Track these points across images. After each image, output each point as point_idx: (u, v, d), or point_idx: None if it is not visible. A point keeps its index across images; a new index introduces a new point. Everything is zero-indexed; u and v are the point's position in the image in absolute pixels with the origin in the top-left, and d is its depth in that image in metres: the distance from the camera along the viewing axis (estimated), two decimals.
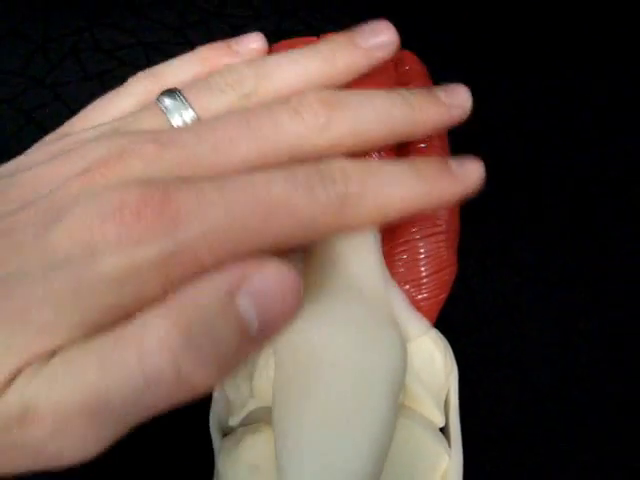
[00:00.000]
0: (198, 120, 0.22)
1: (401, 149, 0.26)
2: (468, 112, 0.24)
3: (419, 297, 0.24)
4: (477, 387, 0.28)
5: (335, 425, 0.21)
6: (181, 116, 0.22)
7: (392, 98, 0.22)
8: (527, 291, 0.29)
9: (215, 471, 0.25)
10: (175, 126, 0.22)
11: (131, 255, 0.17)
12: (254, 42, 0.25)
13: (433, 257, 0.24)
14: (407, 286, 0.24)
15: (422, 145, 0.26)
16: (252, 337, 0.16)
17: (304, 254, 0.24)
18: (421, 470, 0.23)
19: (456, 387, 0.25)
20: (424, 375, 0.24)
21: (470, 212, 0.27)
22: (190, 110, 0.22)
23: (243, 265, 0.16)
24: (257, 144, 0.20)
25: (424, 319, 0.24)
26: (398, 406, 0.23)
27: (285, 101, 0.21)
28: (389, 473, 0.23)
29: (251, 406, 0.24)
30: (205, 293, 0.16)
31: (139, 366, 0.16)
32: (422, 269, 0.24)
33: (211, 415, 0.25)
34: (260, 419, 0.24)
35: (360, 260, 0.24)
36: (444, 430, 0.25)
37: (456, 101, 0.23)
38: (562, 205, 0.31)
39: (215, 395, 0.26)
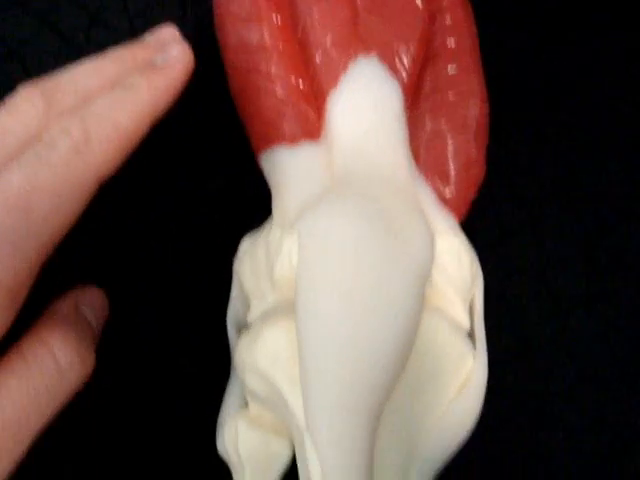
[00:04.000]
0: None
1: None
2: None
3: (447, 193, 0.24)
4: (500, 299, 0.27)
5: (359, 313, 0.21)
6: None
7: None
8: (551, 205, 0.28)
9: (232, 366, 0.24)
10: None
11: None
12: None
13: (462, 153, 0.24)
14: (435, 181, 0.23)
15: (451, 43, 0.25)
16: None
17: (329, 143, 0.23)
18: (446, 367, 0.23)
19: (481, 292, 0.25)
20: (451, 272, 0.23)
21: (497, 127, 0.26)
22: None
23: None
24: None
25: (452, 216, 0.23)
26: (425, 302, 0.22)
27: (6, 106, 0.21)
28: (414, 368, 0.22)
29: (270, 299, 0.23)
30: None
31: None
32: (450, 164, 0.24)
33: (228, 312, 0.25)
34: (279, 313, 0.23)
35: (388, 150, 0.23)
36: (469, 335, 0.24)
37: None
38: (590, 123, 0.30)
39: (233, 294, 0.25)
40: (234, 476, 0.23)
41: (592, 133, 0.30)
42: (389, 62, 0.24)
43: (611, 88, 0.30)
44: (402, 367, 0.21)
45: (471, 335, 0.24)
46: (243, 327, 0.25)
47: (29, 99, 0.21)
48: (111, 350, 0.23)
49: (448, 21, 0.26)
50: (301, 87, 0.24)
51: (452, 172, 0.23)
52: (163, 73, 0.22)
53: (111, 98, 0.21)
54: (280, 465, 0.23)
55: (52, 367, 0.19)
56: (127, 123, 0.21)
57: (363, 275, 0.21)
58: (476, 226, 0.28)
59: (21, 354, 0.19)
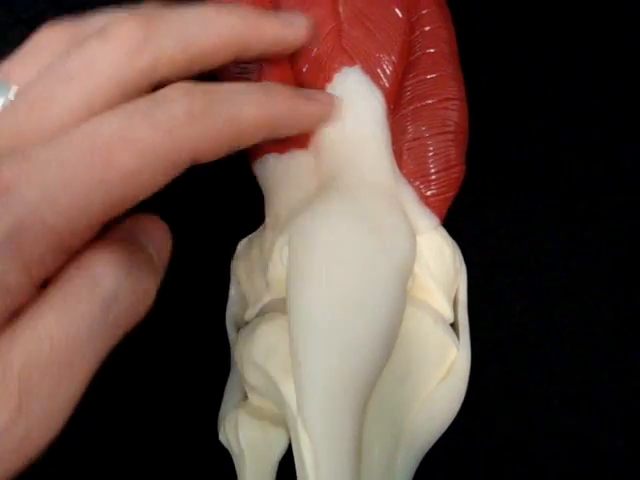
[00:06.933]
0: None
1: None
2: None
3: (428, 193, 0.25)
4: (485, 291, 0.28)
5: (345, 306, 0.22)
6: (4, 96, 0.19)
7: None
8: (534, 198, 0.30)
9: (232, 362, 0.26)
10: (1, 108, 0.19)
11: None
12: None
13: (442, 155, 0.25)
14: (417, 182, 0.25)
15: (430, 50, 0.27)
16: None
17: (316, 150, 0.25)
18: (429, 357, 0.24)
19: (465, 286, 0.26)
20: (434, 267, 0.24)
21: (479, 124, 0.27)
22: (13, 87, 0.19)
23: None
24: (75, 91, 0.18)
25: (433, 215, 0.25)
26: (408, 296, 0.24)
27: (98, 33, 0.19)
28: (399, 358, 0.23)
29: (266, 298, 0.25)
30: None
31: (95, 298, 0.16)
32: (431, 166, 0.25)
33: (227, 312, 0.26)
34: (274, 311, 0.24)
35: (371, 155, 0.25)
36: (453, 326, 0.26)
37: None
38: (571, 118, 0.31)
39: (231, 294, 0.27)
40: (235, 463, 0.24)
41: (574, 127, 0.31)
42: (372, 72, 0.26)
43: (593, 80, 0.31)
44: (387, 357, 0.23)
45: (455, 326, 0.26)
46: (241, 324, 0.26)
47: (131, 34, 0.18)
48: (118, 349, 0.25)
49: (427, 29, 0.27)
50: None
51: (433, 173, 0.25)
52: (311, 105, 0.23)
53: (252, 92, 0.20)
54: (277, 452, 0.24)
55: (93, 293, 0.17)
56: (250, 124, 0.19)
57: (349, 272, 0.22)
58: (460, 221, 0.29)
59: (60, 284, 0.17)
